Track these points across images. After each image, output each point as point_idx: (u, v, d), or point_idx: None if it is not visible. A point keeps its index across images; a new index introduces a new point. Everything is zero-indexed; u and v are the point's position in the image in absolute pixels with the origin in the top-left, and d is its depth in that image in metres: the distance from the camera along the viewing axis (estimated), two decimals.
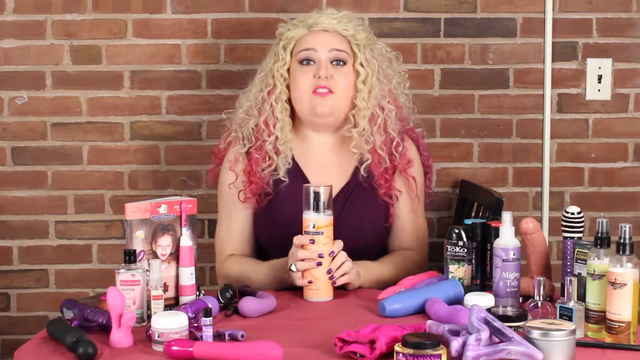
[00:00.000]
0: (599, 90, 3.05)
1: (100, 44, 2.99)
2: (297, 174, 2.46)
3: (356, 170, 2.47)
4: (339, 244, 2.22)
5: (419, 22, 3.02)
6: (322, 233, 2.19)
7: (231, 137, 2.52)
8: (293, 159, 2.47)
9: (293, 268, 2.20)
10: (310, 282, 2.19)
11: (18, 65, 2.99)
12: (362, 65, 2.44)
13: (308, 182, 2.42)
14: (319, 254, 2.18)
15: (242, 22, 3.00)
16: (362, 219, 2.43)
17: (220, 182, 2.53)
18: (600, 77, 3.04)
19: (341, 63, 2.44)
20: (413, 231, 2.50)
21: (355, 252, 2.29)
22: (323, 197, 2.19)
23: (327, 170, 2.45)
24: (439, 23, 3.02)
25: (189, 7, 2.99)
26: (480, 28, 3.03)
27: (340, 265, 2.21)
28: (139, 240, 2.06)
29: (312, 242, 2.18)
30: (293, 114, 2.49)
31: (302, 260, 2.19)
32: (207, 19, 3.00)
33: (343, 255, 2.22)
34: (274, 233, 2.43)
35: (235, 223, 2.49)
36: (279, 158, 2.43)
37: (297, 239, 2.21)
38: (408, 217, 2.50)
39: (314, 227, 2.19)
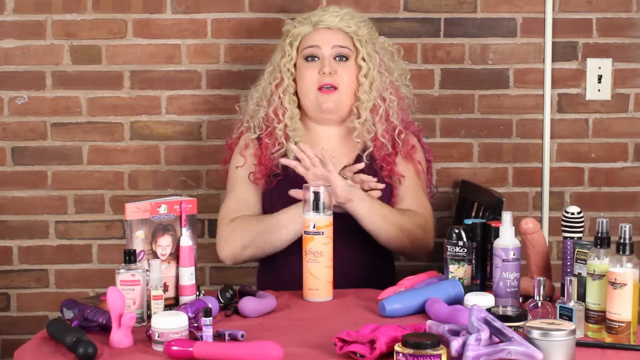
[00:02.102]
0: (599, 90, 3.05)
1: (100, 44, 2.99)
2: None
3: (360, 155, 2.55)
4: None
5: (419, 22, 3.02)
6: (322, 233, 2.19)
7: (242, 127, 2.61)
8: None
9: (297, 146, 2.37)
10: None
11: (18, 65, 2.99)
12: (363, 60, 2.54)
13: None
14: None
15: (242, 22, 3.00)
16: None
17: (230, 166, 2.61)
18: (600, 77, 3.04)
19: (344, 59, 2.54)
20: (418, 207, 2.53)
21: (357, 231, 2.35)
22: (323, 197, 2.20)
23: (332, 154, 2.48)
24: (439, 23, 3.02)
25: (189, 7, 2.99)
26: (480, 28, 3.03)
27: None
28: (139, 240, 2.06)
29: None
30: (300, 106, 2.58)
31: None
32: (207, 19, 3.00)
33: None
34: None
35: (244, 195, 2.54)
36: (288, 143, 2.51)
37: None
38: (413, 198, 2.54)
39: (314, 227, 2.19)
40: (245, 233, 2.46)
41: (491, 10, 3.02)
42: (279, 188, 2.50)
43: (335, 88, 2.51)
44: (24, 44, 2.99)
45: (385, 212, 2.43)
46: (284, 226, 2.41)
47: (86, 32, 2.99)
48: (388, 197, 2.51)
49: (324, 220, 2.20)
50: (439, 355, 1.64)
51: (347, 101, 2.54)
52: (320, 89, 2.51)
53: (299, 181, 2.39)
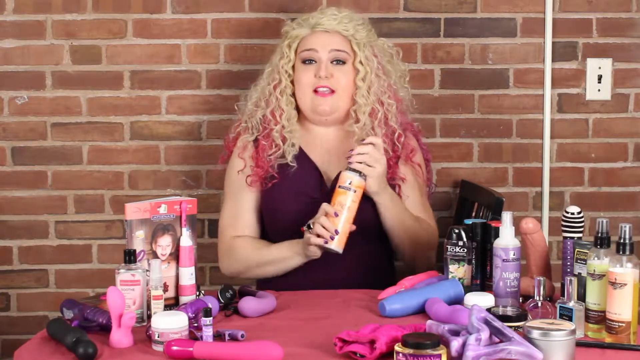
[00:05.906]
0: (599, 90, 3.05)
1: (100, 44, 2.99)
2: (303, 158, 2.53)
3: None
4: (378, 139, 2.37)
5: (419, 22, 3.02)
6: (355, 192, 2.26)
7: (240, 127, 2.61)
8: (300, 147, 2.54)
9: (309, 227, 2.28)
10: (325, 242, 2.26)
11: (18, 65, 2.99)
12: (361, 64, 2.53)
13: (314, 165, 2.52)
14: (335, 229, 2.25)
15: (242, 22, 3.00)
16: (366, 202, 2.45)
17: (228, 167, 2.61)
18: (600, 77, 3.04)
19: (341, 62, 2.53)
20: (422, 209, 2.55)
21: (360, 235, 2.33)
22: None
23: (331, 155, 2.53)
24: (439, 23, 3.02)
25: (189, 7, 2.99)
26: (480, 28, 3.03)
27: (363, 154, 2.32)
28: (139, 240, 2.06)
29: (336, 215, 2.25)
30: (298, 108, 2.57)
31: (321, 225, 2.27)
32: (207, 19, 3.00)
33: (370, 147, 2.33)
34: (277, 216, 2.49)
35: (242, 208, 2.54)
36: (285, 144, 2.52)
37: (326, 207, 2.27)
38: (416, 199, 2.54)
39: (349, 184, 2.27)
40: (242, 262, 2.48)
41: (491, 10, 3.02)
42: (276, 190, 2.49)
43: (332, 91, 2.50)
44: (24, 44, 2.99)
45: (405, 209, 2.46)
46: (284, 262, 2.42)
47: (86, 32, 2.99)
48: None
49: (359, 181, 2.28)
50: (439, 355, 1.64)
51: (343, 104, 2.53)
52: (315, 91, 2.51)
53: (297, 183, 2.43)
